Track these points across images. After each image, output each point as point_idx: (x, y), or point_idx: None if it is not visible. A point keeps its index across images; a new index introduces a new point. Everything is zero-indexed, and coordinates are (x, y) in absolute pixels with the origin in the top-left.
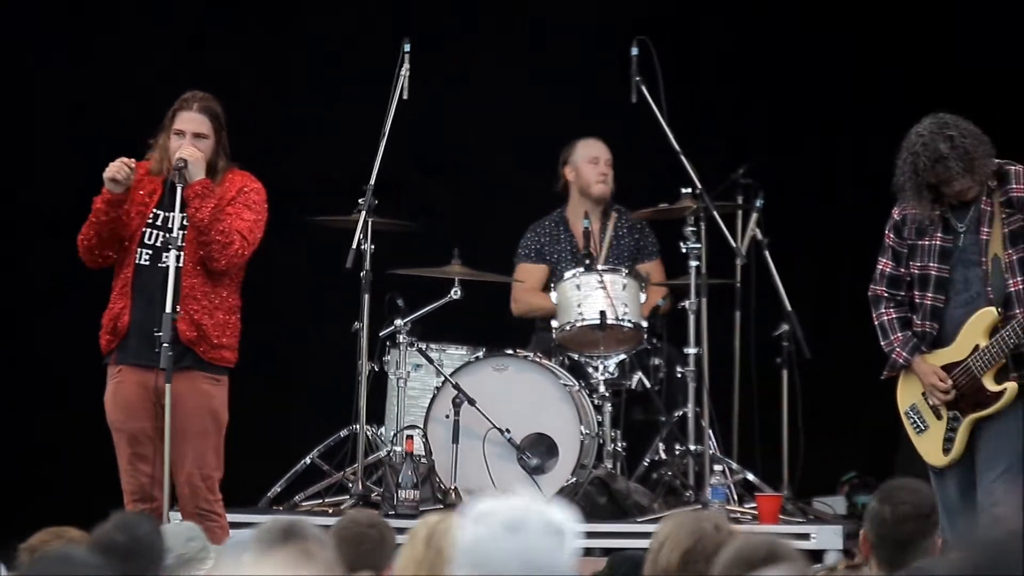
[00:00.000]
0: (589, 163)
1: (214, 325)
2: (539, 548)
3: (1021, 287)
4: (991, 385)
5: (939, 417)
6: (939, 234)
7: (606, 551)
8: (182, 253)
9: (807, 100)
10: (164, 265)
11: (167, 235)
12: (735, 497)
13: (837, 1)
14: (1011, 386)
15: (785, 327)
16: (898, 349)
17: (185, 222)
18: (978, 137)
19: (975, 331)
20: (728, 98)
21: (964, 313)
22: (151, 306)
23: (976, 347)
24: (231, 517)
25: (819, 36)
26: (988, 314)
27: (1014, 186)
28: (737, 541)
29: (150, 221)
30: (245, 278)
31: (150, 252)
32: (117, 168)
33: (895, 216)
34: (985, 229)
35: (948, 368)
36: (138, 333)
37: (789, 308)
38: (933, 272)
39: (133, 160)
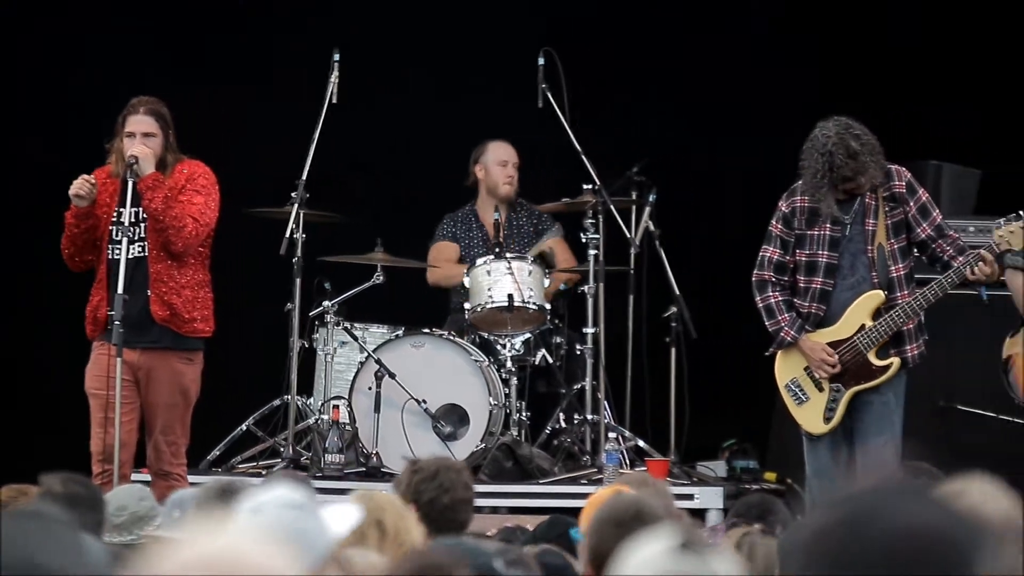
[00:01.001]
0: (498, 165)
1: (183, 302)
2: (283, 524)
3: (902, 273)
4: (876, 360)
5: (821, 389)
6: (828, 225)
7: (511, 509)
8: (146, 242)
9: (694, 104)
10: (132, 257)
11: (121, 227)
12: (627, 461)
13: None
14: (895, 361)
15: (673, 309)
16: (786, 328)
17: (143, 214)
18: (873, 137)
19: (861, 312)
20: (624, 103)
21: (850, 296)
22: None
23: (862, 326)
24: None
25: (710, 43)
26: (876, 297)
27: (896, 183)
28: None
29: (115, 219)
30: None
31: (118, 247)
32: (79, 185)
33: (783, 208)
34: (871, 221)
35: (833, 345)
36: (118, 313)
37: (677, 292)
38: (822, 259)
39: (93, 175)
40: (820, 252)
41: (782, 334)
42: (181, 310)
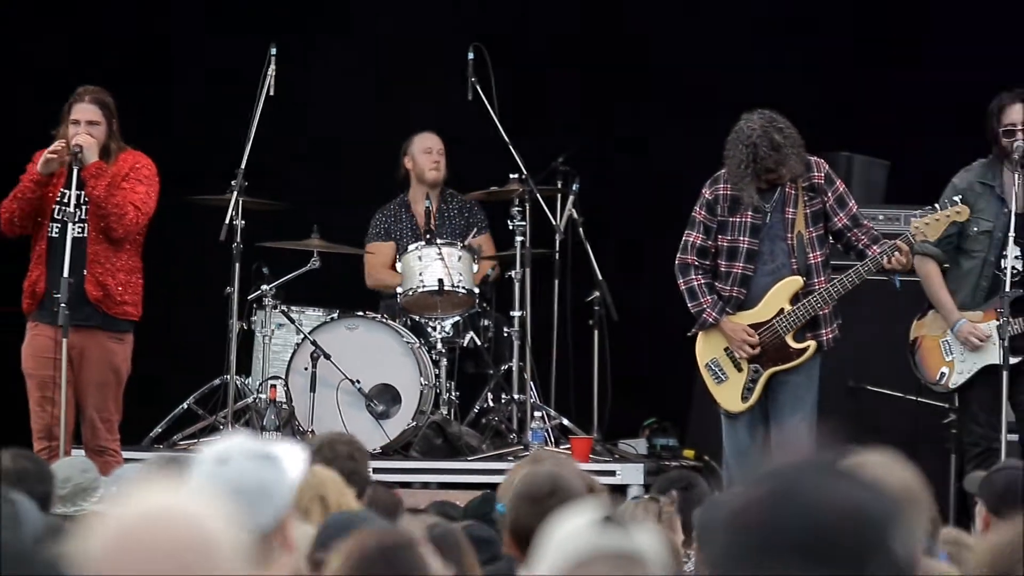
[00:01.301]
0: (424, 153)
1: (116, 285)
2: (244, 473)
3: (820, 260)
4: (793, 343)
5: (740, 369)
6: (749, 212)
7: (441, 484)
8: (86, 224)
9: (617, 96)
10: (72, 237)
11: (66, 210)
12: (552, 439)
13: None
14: (812, 344)
15: (596, 294)
16: (708, 310)
17: (85, 199)
18: (795, 130)
19: (781, 296)
20: (551, 96)
21: (770, 281)
22: (55, 273)
23: (781, 310)
24: (123, 452)
25: (617, 43)
26: (795, 282)
27: (815, 174)
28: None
29: (58, 199)
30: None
31: (59, 227)
32: (62, 148)
33: (707, 195)
34: (790, 210)
35: (753, 327)
36: (51, 296)
37: (600, 277)
38: (744, 245)
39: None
40: (741, 238)
41: (704, 315)
42: (114, 291)
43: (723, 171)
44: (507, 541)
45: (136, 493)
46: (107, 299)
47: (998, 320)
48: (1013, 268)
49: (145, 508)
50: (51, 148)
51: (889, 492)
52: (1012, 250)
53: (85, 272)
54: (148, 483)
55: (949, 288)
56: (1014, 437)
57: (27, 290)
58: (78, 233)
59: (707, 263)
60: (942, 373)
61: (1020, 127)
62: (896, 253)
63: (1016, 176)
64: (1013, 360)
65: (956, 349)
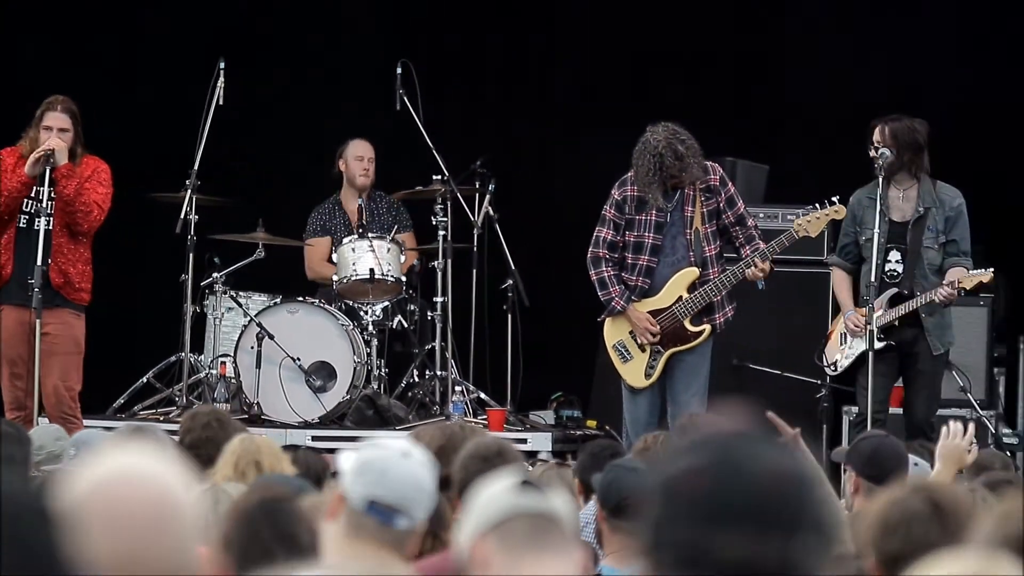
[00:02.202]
0: (355, 160)
1: (76, 273)
2: (424, 473)
3: (714, 252)
4: (691, 327)
5: (643, 350)
6: (654, 211)
7: None
8: (51, 218)
9: (528, 105)
10: (38, 228)
11: (38, 205)
12: (471, 411)
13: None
14: (707, 327)
15: (510, 282)
16: (616, 299)
17: (53, 196)
18: (695, 140)
19: (679, 285)
20: (470, 105)
21: (670, 272)
22: (27, 260)
23: (680, 298)
24: (86, 421)
25: (524, 63)
26: (691, 273)
27: (711, 176)
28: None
29: (33, 196)
30: (99, 241)
31: (27, 218)
32: (56, 143)
33: (616, 196)
34: (689, 208)
35: (655, 313)
36: (17, 280)
37: (513, 267)
38: (648, 240)
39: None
40: (646, 234)
41: (613, 303)
42: (74, 279)
43: (630, 174)
44: (455, 498)
45: (102, 457)
46: (67, 286)
47: (880, 311)
48: (892, 271)
49: (111, 470)
50: (36, 153)
51: (811, 462)
52: (893, 255)
53: (50, 261)
54: (113, 448)
55: (859, 288)
56: (899, 411)
57: None
58: (44, 226)
59: (616, 256)
60: (836, 358)
61: (877, 143)
62: (751, 268)
63: (894, 194)
64: (879, 344)
65: (848, 339)
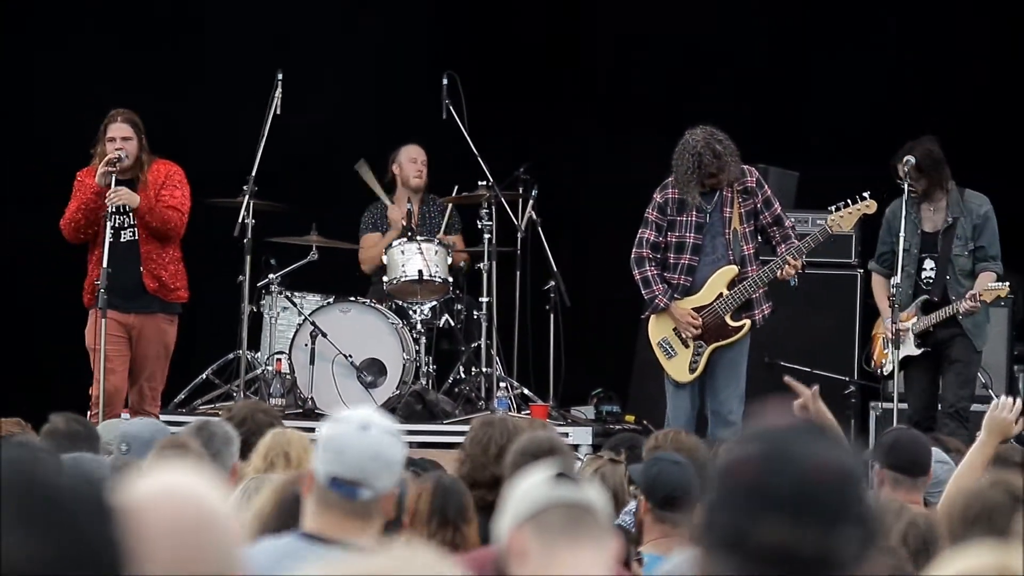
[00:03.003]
0: (410, 162)
1: (168, 276)
2: (383, 443)
3: (752, 251)
4: (731, 322)
5: (687, 346)
6: (694, 212)
7: (420, 444)
8: (136, 228)
9: (570, 114)
10: (124, 241)
11: (119, 218)
12: (515, 406)
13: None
14: (747, 322)
15: (552, 283)
16: (660, 296)
17: (128, 207)
18: (732, 142)
19: (719, 283)
20: (514, 113)
21: (711, 270)
22: (122, 269)
23: (720, 295)
24: None
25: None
26: (731, 271)
27: (748, 179)
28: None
29: (112, 210)
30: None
31: (113, 231)
32: (117, 155)
33: (658, 199)
34: (727, 210)
35: (697, 310)
36: (112, 289)
37: (555, 269)
38: (690, 240)
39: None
40: (688, 234)
41: (656, 301)
42: (167, 281)
43: (670, 179)
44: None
45: (142, 478)
46: (162, 288)
47: (914, 318)
48: (927, 279)
49: (150, 489)
50: (104, 162)
51: (856, 455)
52: (928, 264)
53: (142, 269)
54: (153, 470)
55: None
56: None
57: (88, 287)
58: (130, 237)
59: (658, 256)
60: (881, 363)
61: (905, 181)
62: (784, 267)
63: (925, 206)
64: (917, 352)
65: (889, 344)
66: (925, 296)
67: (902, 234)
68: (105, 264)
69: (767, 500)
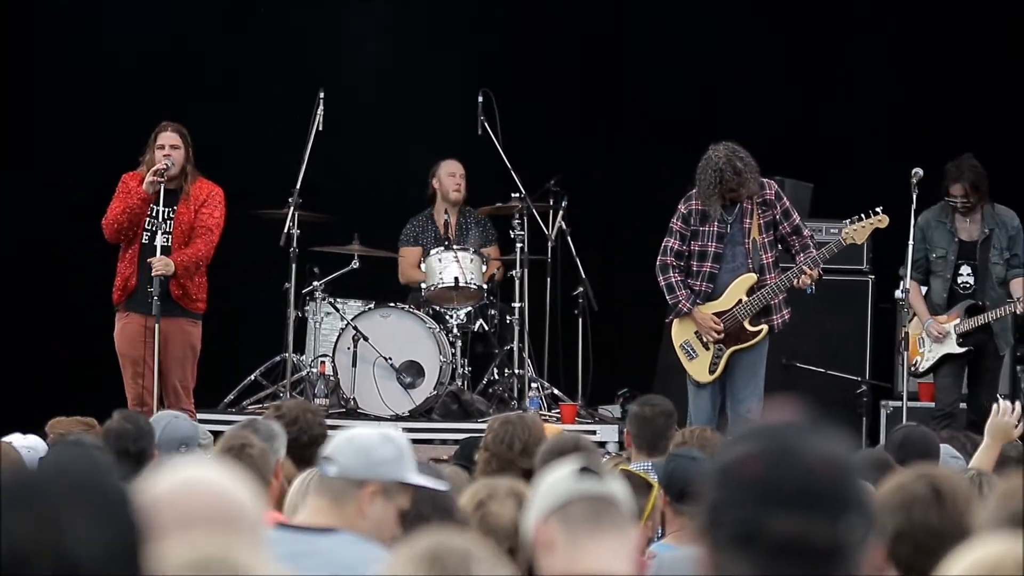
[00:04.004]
0: (448, 176)
1: (193, 286)
2: (368, 436)
3: (771, 260)
4: (750, 327)
5: (707, 348)
6: (716, 223)
7: (455, 441)
8: (171, 235)
9: (598, 129)
10: (155, 244)
11: (156, 222)
12: (545, 405)
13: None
14: (765, 328)
15: (581, 289)
16: (683, 302)
17: (169, 212)
18: (752, 158)
19: (739, 290)
20: (546, 129)
21: (731, 278)
22: (148, 272)
23: (739, 301)
24: (201, 415)
25: (600, 87)
26: (750, 278)
27: (767, 192)
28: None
29: (151, 215)
30: (216, 254)
31: (148, 234)
32: (157, 172)
33: (682, 210)
34: (747, 221)
35: (717, 315)
36: (142, 290)
37: (583, 276)
38: (711, 249)
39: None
40: (709, 244)
41: (680, 306)
42: (191, 291)
43: (693, 190)
44: None
45: (172, 469)
46: (185, 297)
47: (956, 320)
48: (965, 284)
49: (179, 479)
50: (152, 172)
51: (852, 449)
52: (964, 269)
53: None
54: (182, 463)
55: (931, 298)
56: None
57: (119, 284)
58: (163, 243)
59: (682, 264)
60: (916, 360)
61: (959, 198)
62: (801, 276)
63: (960, 218)
64: (960, 350)
65: (927, 343)
66: (971, 301)
67: (911, 242)
68: (154, 271)
69: (775, 495)
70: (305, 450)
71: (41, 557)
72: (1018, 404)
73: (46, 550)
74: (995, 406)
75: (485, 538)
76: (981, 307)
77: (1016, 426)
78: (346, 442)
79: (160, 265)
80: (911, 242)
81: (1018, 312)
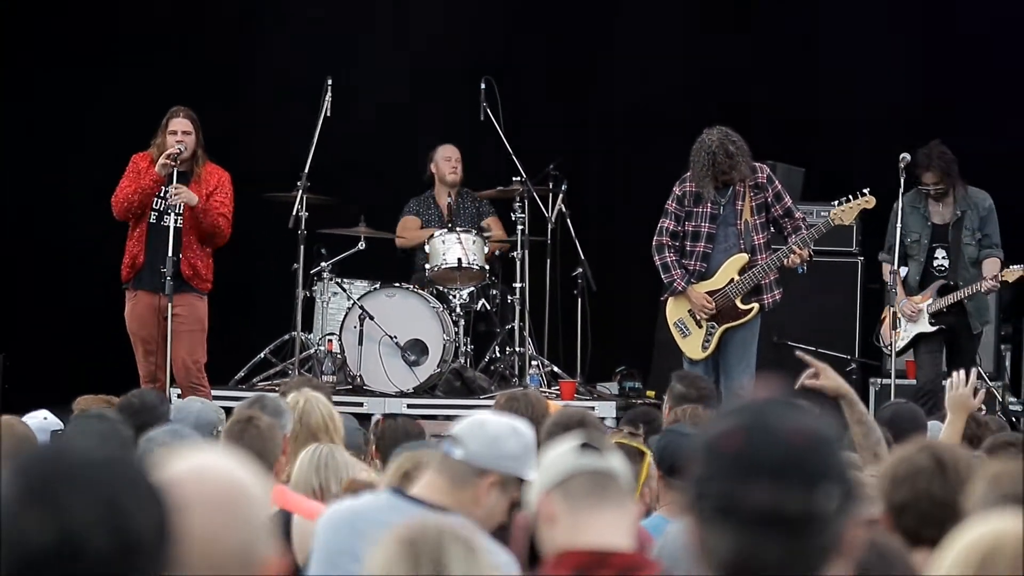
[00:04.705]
0: (444, 160)
1: (203, 266)
2: (499, 422)
3: (762, 241)
4: (741, 305)
5: (700, 326)
6: (709, 204)
7: (459, 417)
8: (181, 216)
9: (596, 116)
10: (166, 224)
11: (166, 204)
12: (545, 382)
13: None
14: (756, 306)
15: (580, 269)
16: (678, 280)
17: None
18: (744, 142)
19: (731, 269)
20: (545, 115)
21: (724, 258)
22: (156, 252)
23: (731, 280)
24: (213, 391)
25: (595, 81)
26: (742, 258)
27: (760, 175)
28: (557, 412)
29: (161, 195)
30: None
31: (156, 214)
32: (175, 150)
33: (677, 192)
34: (739, 203)
35: (710, 293)
36: (149, 268)
37: (582, 257)
38: (705, 229)
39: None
40: (703, 224)
41: (675, 284)
42: (201, 271)
43: (688, 173)
44: None
45: (177, 456)
46: (195, 277)
47: (929, 299)
48: (940, 267)
49: (184, 466)
50: (164, 155)
51: (834, 422)
52: (939, 253)
53: (180, 256)
54: (187, 450)
55: (907, 281)
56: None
57: (127, 262)
58: (174, 223)
59: (676, 244)
60: (892, 340)
61: (931, 186)
62: (791, 255)
63: (932, 202)
64: (932, 328)
65: (902, 323)
66: (943, 281)
67: (898, 226)
68: (171, 252)
69: (754, 467)
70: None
71: (99, 534)
72: (972, 373)
73: (103, 527)
74: (948, 381)
75: None
76: (953, 287)
77: (975, 395)
78: (477, 427)
79: (184, 194)
80: (898, 225)
81: (982, 291)
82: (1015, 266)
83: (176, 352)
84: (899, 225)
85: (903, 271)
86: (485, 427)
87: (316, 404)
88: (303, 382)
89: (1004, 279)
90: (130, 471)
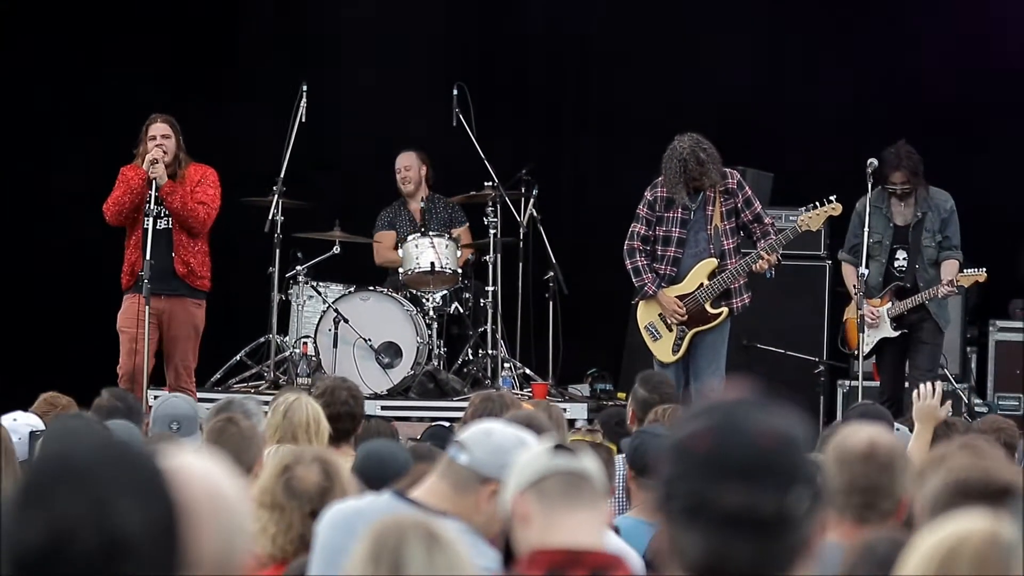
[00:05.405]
0: (397, 171)
1: (197, 263)
2: (506, 432)
3: (732, 246)
4: (711, 309)
5: (670, 330)
6: (680, 209)
7: (432, 419)
8: (170, 219)
9: (567, 121)
10: (159, 228)
11: (152, 208)
12: (518, 384)
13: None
14: (725, 310)
15: (551, 273)
16: (648, 285)
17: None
18: (715, 149)
19: (701, 274)
20: (518, 121)
21: (693, 262)
22: (153, 256)
23: (701, 284)
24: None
25: (566, 85)
26: (711, 263)
27: (730, 181)
28: (509, 414)
29: (148, 201)
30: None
31: (149, 220)
32: (157, 154)
33: (648, 196)
34: (710, 208)
35: (680, 297)
36: (146, 274)
37: (554, 260)
38: (675, 234)
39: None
40: (673, 229)
41: (646, 288)
42: (196, 268)
43: (660, 179)
44: None
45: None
46: (190, 274)
47: (889, 303)
48: (900, 268)
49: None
50: (148, 159)
51: (802, 422)
52: (900, 254)
53: (173, 255)
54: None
55: (868, 282)
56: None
57: (127, 269)
58: (165, 225)
59: (647, 248)
60: (860, 343)
61: (899, 185)
62: (758, 262)
63: (896, 202)
64: (895, 333)
65: (866, 329)
66: (898, 283)
67: (866, 228)
68: (148, 256)
69: (724, 468)
70: (336, 422)
71: (85, 532)
72: (939, 384)
73: (90, 525)
74: (915, 392)
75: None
76: (910, 289)
77: (942, 406)
78: (484, 435)
79: (160, 169)
80: (866, 228)
81: (940, 296)
82: (969, 270)
83: (169, 356)
84: (867, 228)
85: (863, 272)
86: (492, 436)
87: (305, 404)
88: (333, 381)
89: (960, 283)
90: (128, 469)
